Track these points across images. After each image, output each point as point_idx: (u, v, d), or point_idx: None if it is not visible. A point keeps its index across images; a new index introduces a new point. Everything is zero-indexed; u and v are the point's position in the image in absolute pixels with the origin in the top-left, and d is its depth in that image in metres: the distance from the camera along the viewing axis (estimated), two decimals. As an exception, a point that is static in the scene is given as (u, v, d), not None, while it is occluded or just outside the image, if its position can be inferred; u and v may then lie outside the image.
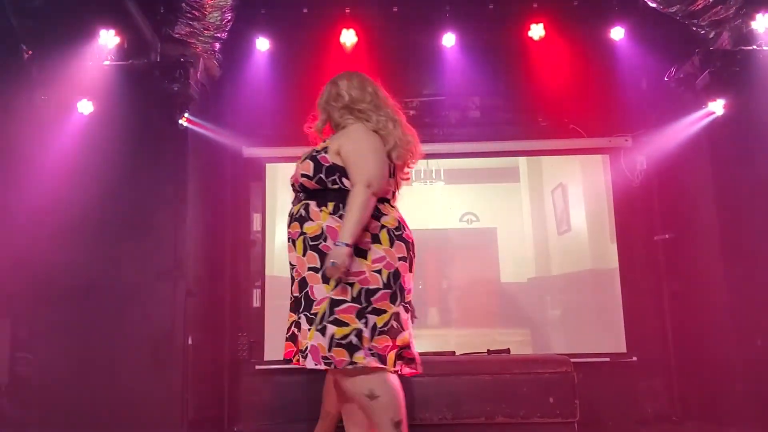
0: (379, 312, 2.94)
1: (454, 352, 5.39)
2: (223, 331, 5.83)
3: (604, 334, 5.87)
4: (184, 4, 5.17)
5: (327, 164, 3.04)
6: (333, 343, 2.88)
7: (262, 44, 5.84)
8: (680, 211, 5.72)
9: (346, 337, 2.89)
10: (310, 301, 2.96)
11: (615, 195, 6.03)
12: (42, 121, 5.20)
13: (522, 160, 6.33)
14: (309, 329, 2.91)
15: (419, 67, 6.06)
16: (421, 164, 6.24)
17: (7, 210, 5.12)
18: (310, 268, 2.98)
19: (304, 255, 3.01)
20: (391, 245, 3.02)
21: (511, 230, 6.26)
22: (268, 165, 6.14)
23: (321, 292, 2.94)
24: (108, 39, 5.23)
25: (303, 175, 3.07)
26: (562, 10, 5.77)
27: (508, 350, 5.43)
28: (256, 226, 6.15)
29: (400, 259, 3.02)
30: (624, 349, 5.82)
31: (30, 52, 5.28)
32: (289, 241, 3.12)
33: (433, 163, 6.26)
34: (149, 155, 5.16)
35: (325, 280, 2.93)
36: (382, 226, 3.04)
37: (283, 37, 5.87)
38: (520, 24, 5.78)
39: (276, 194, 6.15)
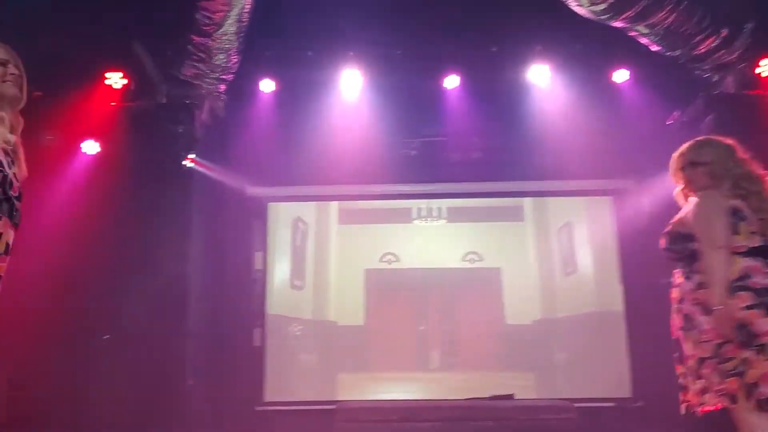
0: None
1: (512, 395, 5.32)
2: (223, 371, 5.78)
3: (610, 378, 5.79)
4: (190, 47, 5.23)
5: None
6: None
7: (267, 86, 5.90)
8: (686, 254, 5.65)
9: None
10: None
11: (620, 236, 6.00)
12: (48, 161, 5.24)
13: (527, 200, 6.31)
14: None
15: (421, 108, 6.09)
16: (422, 202, 6.25)
17: (13, 248, 5.14)
18: None
19: None
20: None
21: (516, 270, 6.21)
22: (270, 204, 6.16)
23: None
24: (115, 80, 5.30)
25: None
26: (565, 53, 5.78)
27: (512, 395, 5.35)
28: (257, 264, 6.15)
29: None
30: (629, 394, 5.73)
31: (38, 93, 5.34)
32: None
33: (435, 200, 6.26)
34: (154, 194, 5.19)
35: None
36: None
37: (287, 78, 5.93)
38: (523, 66, 5.80)
39: (277, 233, 6.17)
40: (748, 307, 2.78)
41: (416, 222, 6.21)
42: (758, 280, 2.80)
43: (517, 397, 5.37)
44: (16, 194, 2.08)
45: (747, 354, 2.80)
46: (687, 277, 2.95)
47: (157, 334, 4.99)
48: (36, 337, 4.99)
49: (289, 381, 5.97)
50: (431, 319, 6.20)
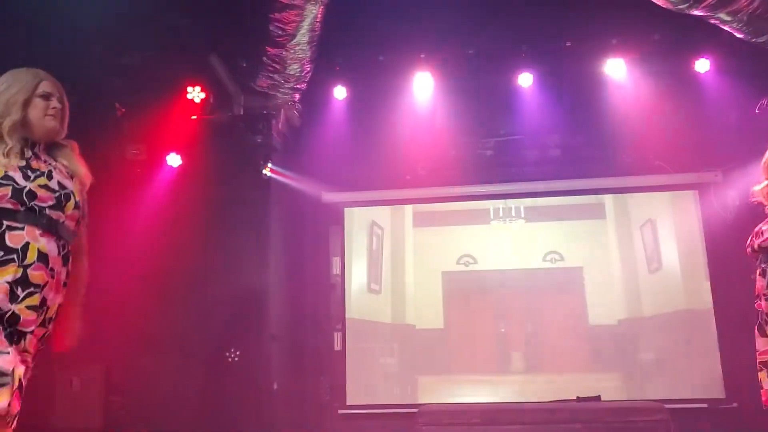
0: None
1: (599, 397, 5.23)
2: (305, 375, 5.88)
3: (701, 379, 5.57)
4: (265, 58, 5.34)
5: None
6: None
7: (340, 92, 5.98)
8: (779, 248, 5.40)
9: None
10: None
11: (707, 231, 5.78)
12: (135, 174, 5.46)
13: (607, 196, 6.15)
14: None
15: (496, 107, 6.04)
16: (499, 202, 6.19)
17: (103, 259, 5.37)
18: None
19: None
20: None
21: (599, 269, 6.05)
22: (346, 209, 6.23)
23: None
24: (194, 94, 5.48)
25: None
26: (642, 45, 5.63)
27: (599, 397, 5.22)
28: (335, 269, 6.23)
29: None
30: (723, 395, 5.51)
31: (123, 110, 5.58)
32: None
33: (512, 200, 6.18)
34: (234, 204, 5.34)
35: None
36: None
37: (359, 84, 5.99)
38: (598, 60, 5.67)
39: (353, 238, 6.23)
40: None
41: (494, 223, 6.14)
42: None
43: (603, 398, 5.24)
44: (44, 204, 2.17)
45: None
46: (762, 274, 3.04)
47: (242, 340, 5.13)
48: (127, 343, 5.19)
49: (371, 384, 6.01)
50: (512, 321, 6.11)
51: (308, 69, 5.49)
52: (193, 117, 5.51)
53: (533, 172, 6.03)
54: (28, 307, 2.09)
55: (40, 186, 2.19)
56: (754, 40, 4.98)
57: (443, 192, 6.10)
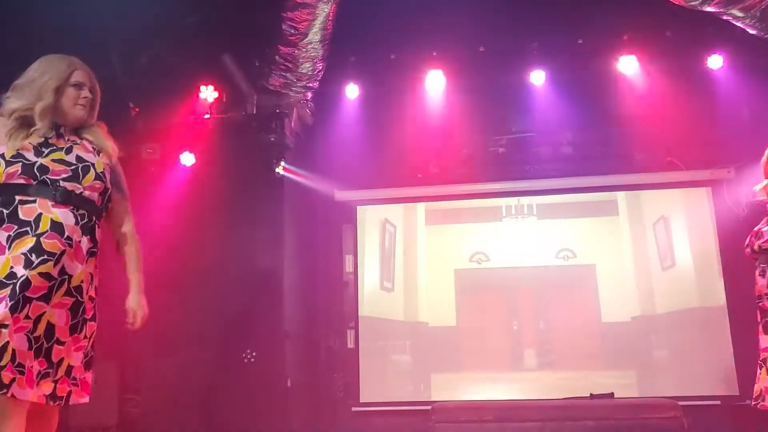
0: None
1: (612, 394, 5.23)
2: (319, 372, 5.91)
3: (715, 376, 5.55)
4: (277, 57, 5.37)
5: None
6: None
7: (352, 91, 5.99)
8: (793, 245, 5.38)
9: None
10: None
11: (720, 228, 5.76)
12: (148, 172, 5.50)
13: (620, 193, 6.13)
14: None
15: (507, 105, 6.05)
16: (512, 200, 6.19)
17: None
18: None
19: None
20: None
21: (612, 266, 6.04)
22: (358, 207, 6.25)
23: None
24: (208, 94, 5.52)
25: None
26: (654, 41, 5.62)
27: (612, 394, 5.22)
28: (348, 267, 6.24)
29: None
30: (737, 392, 5.48)
31: (137, 109, 5.62)
32: None
33: (524, 198, 6.18)
34: (248, 203, 5.37)
35: None
36: None
37: (371, 82, 6.01)
38: (610, 57, 5.66)
39: (366, 236, 6.25)
40: None
41: (506, 220, 6.14)
42: None
43: (617, 396, 5.23)
44: (57, 177, 2.24)
45: None
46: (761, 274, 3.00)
47: (256, 337, 5.16)
48: (141, 340, 5.23)
49: (384, 382, 6.03)
50: (524, 318, 6.11)
51: (320, 67, 5.52)
52: (207, 116, 5.54)
53: (545, 169, 6.03)
54: (41, 274, 2.12)
55: (53, 160, 2.25)
56: (767, 36, 4.96)
57: (455, 190, 6.11)
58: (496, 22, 5.47)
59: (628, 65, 5.65)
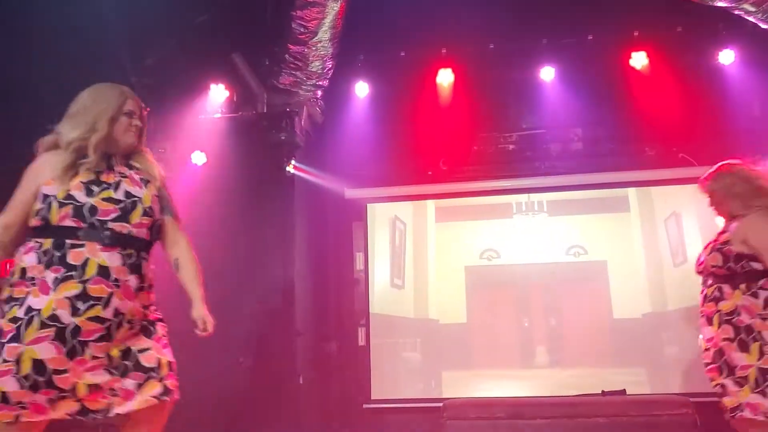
0: None
1: (624, 391, 5.22)
2: (330, 369, 5.93)
3: (729, 373, 5.53)
4: (287, 56, 5.39)
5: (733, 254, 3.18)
6: None
7: (362, 89, 6.00)
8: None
9: None
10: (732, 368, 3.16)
11: (733, 224, 5.72)
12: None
13: (631, 189, 6.11)
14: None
15: (517, 102, 6.05)
16: (522, 196, 6.18)
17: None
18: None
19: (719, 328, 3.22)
20: None
21: (623, 263, 6.01)
22: (368, 205, 6.25)
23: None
24: (218, 93, 5.54)
25: (713, 266, 3.26)
26: (665, 37, 5.60)
27: (623, 391, 5.20)
28: (359, 265, 6.26)
29: None
30: (752, 388, 5.45)
31: (147, 109, 5.64)
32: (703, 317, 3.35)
33: (535, 194, 6.17)
34: (259, 202, 5.39)
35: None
36: None
37: (381, 80, 6.02)
38: (621, 53, 5.64)
39: (376, 233, 6.26)
40: None
41: (516, 217, 6.13)
42: None
43: (628, 392, 5.22)
44: (107, 218, 2.30)
45: None
46: (754, 294, 3.16)
47: (268, 335, 5.18)
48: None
49: (394, 379, 6.04)
50: (535, 315, 6.11)
51: (330, 66, 5.53)
52: (217, 115, 5.57)
53: (556, 166, 6.01)
54: (90, 319, 2.22)
55: (103, 199, 2.32)
56: (779, 30, 4.93)
57: (465, 187, 6.09)
58: (505, 18, 5.47)
59: (639, 61, 5.63)
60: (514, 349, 6.05)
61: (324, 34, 5.21)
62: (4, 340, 2.16)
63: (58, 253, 2.24)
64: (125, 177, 2.40)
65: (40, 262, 2.24)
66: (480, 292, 6.20)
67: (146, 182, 2.46)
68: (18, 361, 2.14)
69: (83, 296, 2.22)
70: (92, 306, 2.23)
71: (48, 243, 2.26)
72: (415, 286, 6.27)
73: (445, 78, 5.84)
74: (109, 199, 2.32)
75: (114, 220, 2.31)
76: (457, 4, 5.36)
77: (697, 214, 5.93)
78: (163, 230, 2.53)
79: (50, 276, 2.22)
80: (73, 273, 2.23)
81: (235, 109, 5.58)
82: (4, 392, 2.11)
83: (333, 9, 5.04)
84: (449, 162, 6.10)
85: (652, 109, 5.62)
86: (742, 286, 3.22)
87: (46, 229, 2.28)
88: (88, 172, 2.34)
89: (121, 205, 2.33)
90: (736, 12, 4.97)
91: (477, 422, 4.96)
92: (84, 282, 2.23)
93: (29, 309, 2.19)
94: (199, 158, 5.51)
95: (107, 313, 2.25)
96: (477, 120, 5.92)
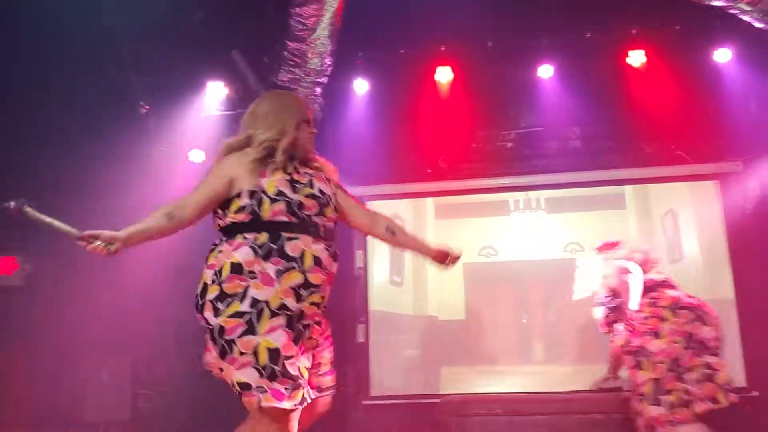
0: None
1: (621, 388, 5.26)
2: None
3: (723, 369, 5.58)
4: (286, 53, 5.38)
5: None
6: None
7: (361, 86, 6.01)
8: (800, 238, 5.42)
9: None
10: None
11: (728, 222, 5.78)
12: (158, 170, 5.53)
13: (628, 187, 6.15)
14: None
15: (516, 100, 6.07)
16: (520, 194, 6.21)
17: (131, 255, 5.44)
18: None
19: None
20: None
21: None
22: (368, 203, 6.24)
23: None
24: (217, 90, 5.53)
25: None
26: (662, 35, 5.62)
27: (620, 388, 5.24)
28: (358, 262, 6.28)
29: None
30: (744, 384, 5.52)
31: (147, 107, 5.65)
32: None
33: (533, 192, 6.20)
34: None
35: None
36: None
37: (380, 78, 6.02)
38: (619, 51, 5.67)
39: (376, 231, 6.26)
40: None
41: (514, 214, 6.16)
42: None
43: (625, 389, 5.26)
44: (310, 212, 2.46)
45: None
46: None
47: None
48: (154, 336, 5.29)
49: (394, 375, 6.08)
50: (533, 311, 6.15)
51: (329, 63, 5.53)
52: (216, 112, 5.56)
53: (554, 163, 6.04)
54: (311, 304, 2.41)
55: (306, 196, 2.48)
56: (774, 29, 4.96)
57: (464, 185, 6.11)
58: (504, 16, 5.50)
59: (637, 59, 5.65)
60: (512, 345, 6.09)
61: (323, 31, 5.20)
62: (234, 336, 2.28)
63: (275, 246, 2.37)
64: (313, 177, 2.54)
65: (257, 255, 2.36)
66: (478, 289, 6.23)
67: (329, 181, 2.62)
68: (255, 353, 2.27)
69: (305, 285, 2.38)
70: (313, 293, 2.40)
71: (263, 237, 2.38)
72: (414, 283, 6.31)
73: (443, 75, 5.85)
74: (311, 196, 2.47)
75: (315, 215, 2.46)
76: (456, 1, 5.37)
77: (693, 211, 5.98)
78: (355, 218, 2.73)
79: (272, 268, 2.35)
80: (294, 264, 2.37)
81: (233, 107, 5.57)
82: (246, 383, 2.27)
83: (332, 6, 5.04)
84: (448, 160, 6.12)
85: (650, 107, 5.66)
86: None
87: (255, 223, 2.41)
88: (278, 171, 2.47)
89: (320, 201, 2.49)
90: (732, 11, 5.00)
91: (475, 418, 5.00)
92: (304, 272, 2.37)
93: (254, 301, 2.31)
94: (197, 156, 5.51)
95: (321, 299, 2.45)
96: (476, 118, 5.93)
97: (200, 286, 2.42)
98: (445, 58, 5.83)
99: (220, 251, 2.42)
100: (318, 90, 5.77)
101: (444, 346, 6.11)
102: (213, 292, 2.34)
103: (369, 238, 6.20)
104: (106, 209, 4.96)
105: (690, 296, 4.00)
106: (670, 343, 3.74)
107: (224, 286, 2.33)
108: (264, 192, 2.41)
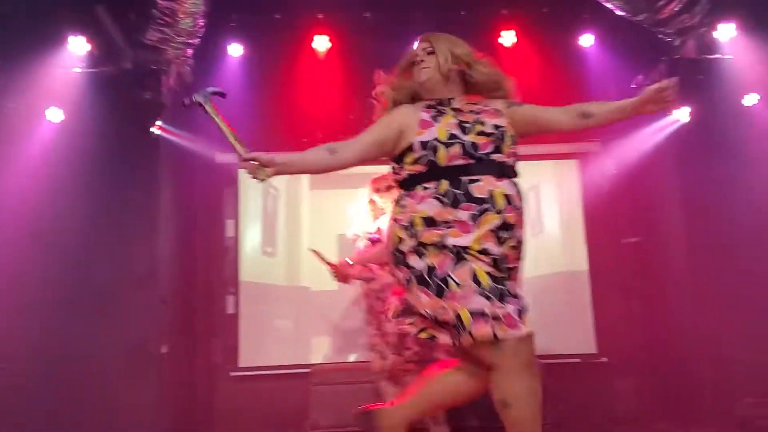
0: None
1: None
2: (197, 338, 5.82)
3: (575, 336, 5.97)
4: (155, 11, 5.11)
5: None
6: None
7: (235, 50, 5.84)
8: (647, 215, 5.86)
9: None
10: None
11: (585, 198, 6.15)
12: (11, 129, 5.12)
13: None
14: None
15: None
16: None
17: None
18: None
19: None
20: None
21: (484, 232, 6.29)
22: (240, 171, 6.12)
23: None
24: (77, 46, 5.16)
25: None
26: (531, 17, 5.85)
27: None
28: (229, 231, 6.14)
29: None
30: (594, 350, 5.94)
31: (0, 62, 5.20)
32: None
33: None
34: (121, 163, 5.12)
35: None
36: None
37: (255, 42, 5.87)
38: (491, 31, 5.83)
39: (248, 200, 6.16)
40: None
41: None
42: None
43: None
44: (486, 150, 2.36)
45: None
46: None
47: (130, 303, 4.98)
48: (7, 304, 4.92)
49: (264, 346, 6.02)
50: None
51: (201, 24, 5.31)
52: (77, 69, 5.20)
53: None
54: (512, 248, 2.34)
55: (478, 134, 2.37)
56: (633, 17, 5.27)
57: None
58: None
59: (508, 39, 5.84)
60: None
61: (195, -11, 5.00)
62: (447, 270, 2.23)
63: (460, 191, 2.30)
64: (479, 113, 2.43)
65: (444, 205, 2.29)
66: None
67: (498, 112, 2.48)
68: (475, 279, 2.20)
69: (504, 226, 2.29)
70: (511, 235, 2.32)
71: (445, 184, 2.32)
72: (287, 253, 6.25)
73: (320, 44, 5.79)
74: (482, 134, 2.37)
75: (492, 152, 2.35)
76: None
77: (555, 187, 6.30)
78: (551, 122, 2.64)
79: (464, 214, 2.28)
80: (487, 206, 2.28)
81: (96, 64, 5.23)
82: (478, 310, 2.17)
83: (205, -36, 4.85)
84: (325, 129, 6.05)
85: (517, 86, 5.84)
86: None
87: (433, 172, 2.34)
88: (446, 116, 2.41)
89: (494, 136, 2.37)
90: (596, -3, 5.26)
91: (342, 387, 5.08)
92: (500, 212, 2.29)
93: (454, 246, 2.25)
94: (55, 115, 5.14)
95: (518, 243, 2.36)
96: (353, 88, 5.91)
97: (395, 240, 2.36)
98: (322, 26, 5.76)
99: (403, 205, 2.37)
100: (189, 51, 5.54)
101: (316, 316, 6.12)
102: (411, 242, 2.30)
103: (242, 207, 6.11)
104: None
105: None
106: None
107: (421, 237, 2.29)
108: (436, 139, 2.35)
